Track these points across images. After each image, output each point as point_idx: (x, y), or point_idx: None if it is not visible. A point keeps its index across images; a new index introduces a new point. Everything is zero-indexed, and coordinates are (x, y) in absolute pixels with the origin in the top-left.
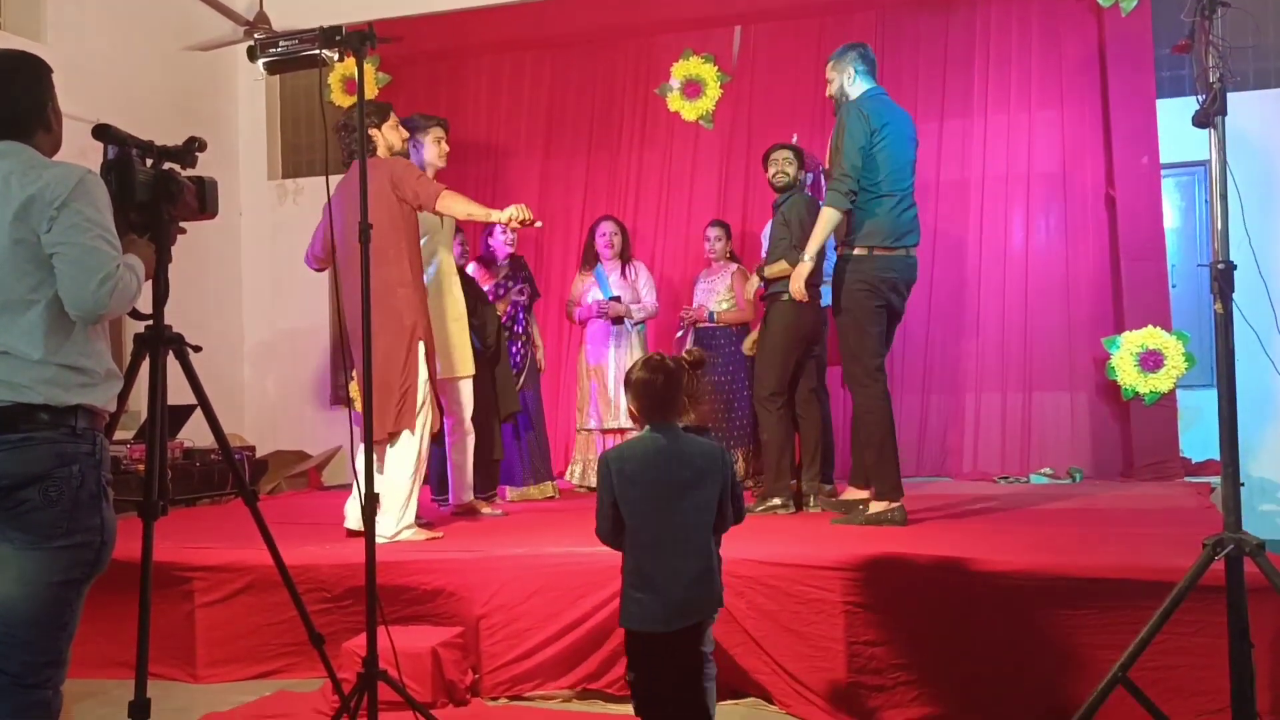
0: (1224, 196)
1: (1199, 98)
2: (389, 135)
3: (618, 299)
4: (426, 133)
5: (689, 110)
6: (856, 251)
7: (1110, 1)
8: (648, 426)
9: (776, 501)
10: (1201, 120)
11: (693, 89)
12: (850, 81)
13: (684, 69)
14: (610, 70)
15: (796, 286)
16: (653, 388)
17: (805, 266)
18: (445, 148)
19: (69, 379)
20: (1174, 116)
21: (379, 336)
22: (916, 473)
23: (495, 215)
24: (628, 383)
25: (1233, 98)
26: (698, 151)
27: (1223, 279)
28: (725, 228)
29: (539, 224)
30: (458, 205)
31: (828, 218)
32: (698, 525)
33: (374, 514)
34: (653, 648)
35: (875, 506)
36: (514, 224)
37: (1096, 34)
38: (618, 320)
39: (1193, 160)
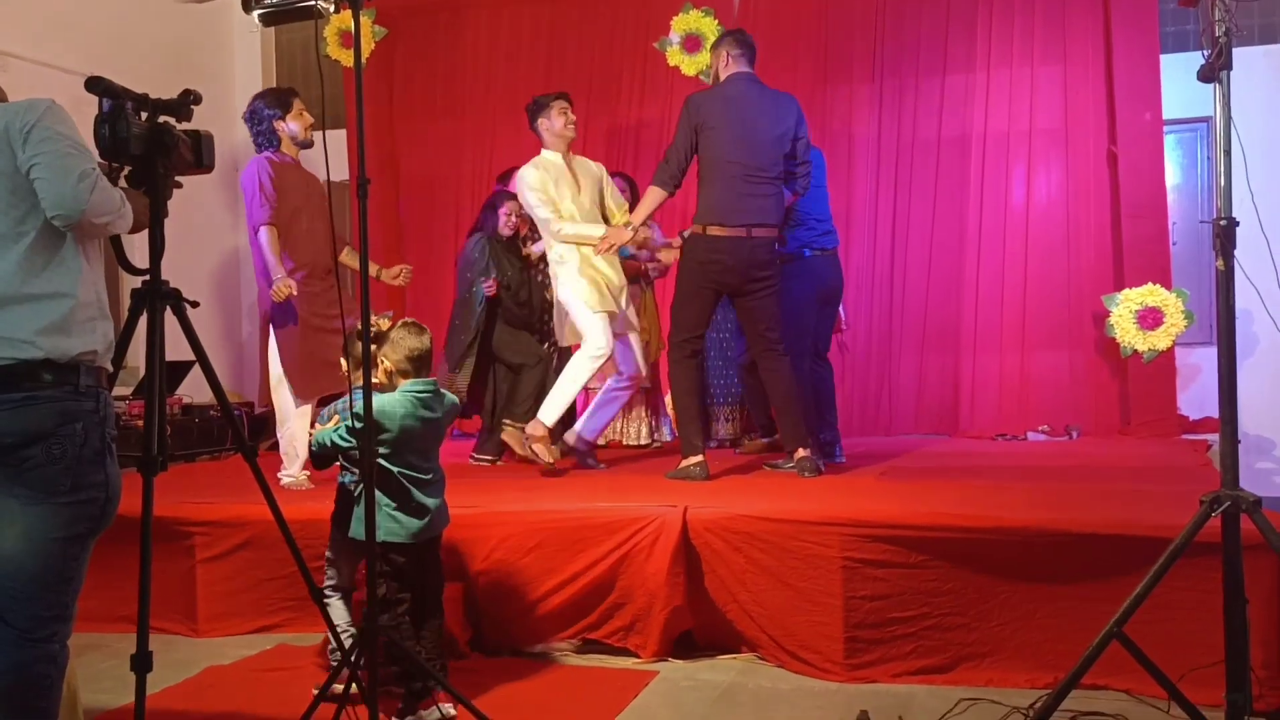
0: (1228, 152)
1: (1204, 52)
2: (292, 125)
3: (634, 258)
4: (551, 108)
5: (689, 65)
6: (693, 229)
7: None
8: (411, 380)
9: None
10: (1207, 75)
11: (693, 44)
12: (724, 65)
13: (684, 23)
14: (610, 24)
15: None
16: (422, 346)
17: (625, 234)
18: (572, 117)
19: (65, 318)
20: (1176, 72)
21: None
22: (915, 430)
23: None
24: (383, 341)
25: (1238, 53)
26: None
27: (1225, 235)
28: None
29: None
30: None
31: (650, 195)
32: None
33: (372, 475)
34: (407, 556)
35: (683, 463)
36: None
37: None
38: (633, 279)
39: (1194, 116)
